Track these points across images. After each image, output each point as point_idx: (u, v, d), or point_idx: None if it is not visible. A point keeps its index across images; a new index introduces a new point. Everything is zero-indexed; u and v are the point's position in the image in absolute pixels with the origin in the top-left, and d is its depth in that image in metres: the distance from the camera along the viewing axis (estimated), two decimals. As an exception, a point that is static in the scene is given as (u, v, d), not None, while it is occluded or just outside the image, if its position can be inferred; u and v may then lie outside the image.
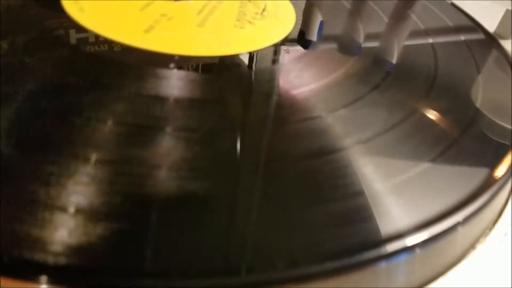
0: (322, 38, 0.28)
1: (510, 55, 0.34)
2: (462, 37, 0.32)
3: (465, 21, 0.34)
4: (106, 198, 0.16)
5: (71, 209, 0.15)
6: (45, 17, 0.26)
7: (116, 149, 0.18)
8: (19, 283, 0.14)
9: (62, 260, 0.14)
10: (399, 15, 0.34)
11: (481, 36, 0.33)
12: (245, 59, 0.25)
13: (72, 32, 0.25)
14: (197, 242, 0.15)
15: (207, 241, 0.15)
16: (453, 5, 0.37)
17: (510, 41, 0.38)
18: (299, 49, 0.27)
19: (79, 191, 0.16)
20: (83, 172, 0.17)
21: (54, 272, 0.14)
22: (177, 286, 0.14)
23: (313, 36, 0.29)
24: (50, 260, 0.14)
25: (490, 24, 0.38)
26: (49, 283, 0.14)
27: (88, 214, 0.15)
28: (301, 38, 0.28)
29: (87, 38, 0.24)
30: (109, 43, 0.24)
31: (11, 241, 0.14)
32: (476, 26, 0.34)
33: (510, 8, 0.37)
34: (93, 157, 0.17)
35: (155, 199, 0.17)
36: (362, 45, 0.28)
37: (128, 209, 0.16)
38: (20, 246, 0.14)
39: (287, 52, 0.26)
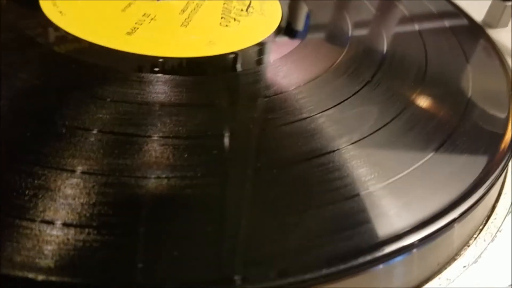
0: (309, 32, 0.28)
1: (496, 42, 0.34)
2: (447, 24, 0.31)
3: (448, 7, 0.34)
4: (89, 210, 0.16)
5: (50, 222, 0.15)
6: (23, 21, 0.25)
7: (99, 158, 0.18)
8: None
9: (49, 276, 0.14)
10: (386, 5, 0.33)
11: (464, 22, 0.32)
12: (231, 59, 0.24)
13: (51, 35, 0.24)
14: (188, 252, 0.15)
15: (198, 250, 0.15)
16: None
17: (498, 30, 0.37)
18: (286, 46, 0.26)
19: (52, 204, 0.16)
20: (61, 183, 0.16)
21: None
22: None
23: (300, 31, 0.28)
24: (37, 276, 0.14)
25: (478, 12, 0.38)
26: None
27: (70, 228, 0.15)
28: (288, 34, 0.28)
29: (67, 42, 0.24)
30: (91, 47, 0.23)
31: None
32: (458, 12, 0.33)
33: (497, -4, 0.37)
34: (75, 166, 0.17)
35: (143, 210, 0.16)
36: (350, 37, 0.28)
37: (115, 221, 0.15)
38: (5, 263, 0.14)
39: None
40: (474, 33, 0.31)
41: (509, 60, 0.33)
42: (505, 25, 0.38)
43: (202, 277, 0.15)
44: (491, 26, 0.38)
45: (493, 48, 0.29)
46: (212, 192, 0.17)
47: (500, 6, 0.37)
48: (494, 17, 0.37)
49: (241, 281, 0.15)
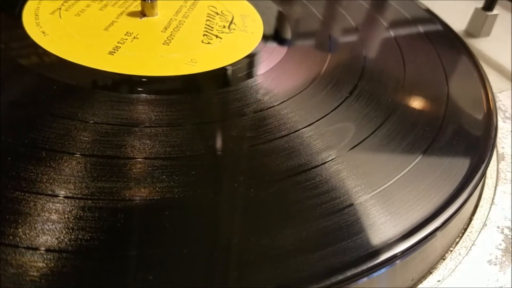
0: (290, 48, 0.28)
1: (478, 51, 0.34)
2: (423, 32, 0.32)
3: (425, 15, 0.35)
4: (70, 235, 0.16)
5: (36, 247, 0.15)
6: (6, 41, 0.25)
7: (80, 182, 0.18)
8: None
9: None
10: (365, 18, 0.34)
11: (440, 29, 0.33)
12: (212, 77, 0.25)
13: (33, 56, 0.24)
14: (164, 276, 0.15)
15: (173, 275, 0.15)
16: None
17: (480, 39, 0.38)
18: (267, 62, 0.26)
19: (32, 229, 0.16)
20: (41, 208, 0.17)
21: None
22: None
23: (282, 48, 0.29)
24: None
25: (461, 22, 0.39)
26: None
27: (51, 253, 0.15)
28: (269, 51, 0.28)
29: (50, 63, 0.24)
30: (73, 67, 0.24)
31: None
32: (435, 19, 0.34)
33: (478, 6, 0.37)
34: (56, 191, 0.17)
35: (124, 233, 0.16)
36: (330, 52, 0.28)
37: (98, 245, 0.16)
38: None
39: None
40: (450, 40, 0.32)
41: (489, 69, 0.34)
42: (487, 35, 0.38)
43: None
44: (474, 36, 0.38)
45: (471, 57, 0.29)
46: (190, 213, 0.18)
47: (482, 15, 0.38)
48: (477, 27, 0.38)
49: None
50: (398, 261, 0.17)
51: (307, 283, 0.16)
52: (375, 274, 0.17)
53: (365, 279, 0.16)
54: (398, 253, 0.17)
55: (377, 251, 0.17)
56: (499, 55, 0.36)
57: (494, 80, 0.33)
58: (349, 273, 0.16)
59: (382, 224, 0.18)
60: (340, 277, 0.16)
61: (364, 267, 0.16)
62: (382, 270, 0.17)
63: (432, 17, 0.35)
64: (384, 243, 0.17)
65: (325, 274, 0.16)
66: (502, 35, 0.38)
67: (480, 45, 0.37)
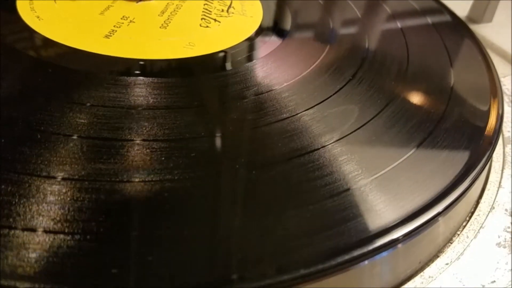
0: (291, 32, 0.28)
1: (481, 38, 0.34)
2: (429, 20, 0.31)
3: (430, 3, 0.34)
4: (67, 216, 0.15)
5: (39, 229, 0.15)
6: (0, 27, 0.24)
7: (76, 163, 0.17)
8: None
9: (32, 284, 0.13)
10: (368, 3, 0.33)
11: (446, 17, 0.32)
12: (211, 60, 0.24)
13: (28, 40, 0.24)
14: (164, 256, 0.15)
15: (174, 255, 0.15)
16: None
17: (482, 25, 0.37)
18: (267, 46, 0.26)
19: (42, 209, 0.15)
20: (46, 189, 0.16)
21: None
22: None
23: (282, 31, 0.28)
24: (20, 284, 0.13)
25: (462, 8, 0.38)
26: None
27: (48, 234, 0.15)
28: (269, 34, 0.27)
29: (45, 47, 0.23)
30: (69, 51, 0.23)
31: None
32: (440, 7, 0.33)
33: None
34: (53, 172, 0.17)
35: (123, 214, 0.16)
36: (332, 36, 0.28)
37: (96, 226, 0.15)
38: None
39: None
40: (456, 28, 0.31)
41: (492, 55, 0.33)
42: (489, 20, 0.38)
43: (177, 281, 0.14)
44: (475, 22, 0.38)
45: (476, 43, 0.29)
46: (191, 195, 0.17)
47: (483, 1, 0.37)
48: (478, 13, 0.38)
49: (239, 280, 0.14)
50: (400, 244, 0.17)
51: (311, 263, 0.15)
52: (380, 255, 0.16)
53: (371, 259, 0.16)
54: (400, 236, 0.16)
55: (381, 233, 0.16)
56: (502, 41, 0.35)
57: (497, 65, 0.32)
58: (355, 253, 0.16)
59: (385, 207, 0.17)
60: (346, 257, 0.15)
61: (370, 247, 0.16)
62: (388, 252, 0.16)
63: (435, 3, 0.34)
64: (387, 225, 0.17)
65: (330, 255, 0.15)
66: (504, 21, 0.38)
67: (483, 31, 0.36)
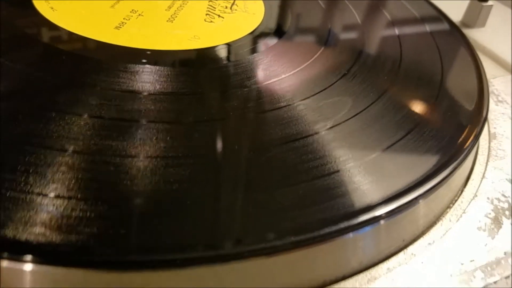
0: (290, 29, 0.29)
1: (474, 42, 0.35)
2: (422, 20, 0.33)
3: (424, 5, 0.35)
4: (78, 185, 0.17)
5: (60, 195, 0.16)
6: (18, 18, 0.26)
7: (91, 140, 0.19)
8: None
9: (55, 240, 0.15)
10: (365, 4, 0.35)
11: (440, 19, 0.34)
12: (214, 52, 0.26)
13: (43, 30, 0.25)
14: (182, 221, 0.16)
15: (180, 223, 0.16)
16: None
17: (475, 29, 0.39)
18: (267, 41, 0.27)
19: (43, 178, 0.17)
20: (69, 163, 0.17)
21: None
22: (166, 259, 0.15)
23: (282, 28, 0.30)
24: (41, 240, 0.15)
25: (456, 13, 0.40)
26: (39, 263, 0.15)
27: (58, 199, 0.16)
28: (269, 30, 0.29)
29: (59, 36, 0.25)
30: (81, 40, 0.25)
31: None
32: (434, 10, 0.35)
33: (474, -3, 0.38)
34: (65, 146, 0.18)
35: (136, 183, 0.17)
36: (330, 34, 0.29)
37: (111, 192, 0.17)
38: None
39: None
40: (449, 30, 0.33)
41: (484, 57, 0.35)
42: (482, 25, 0.39)
43: (184, 244, 0.16)
44: (469, 26, 0.39)
45: (466, 44, 0.30)
46: (192, 172, 0.18)
47: (477, 6, 0.39)
48: (472, 17, 0.39)
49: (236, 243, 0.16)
50: (383, 221, 0.18)
51: (302, 231, 0.16)
52: (364, 229, 0.18)
53: (355, 232, 0.17)
54: (382, 214, 0.18)
55: (365, 209, 0.18)
56: (494, 44, 0.37)
57: (489, 67, 0.34)
58: (341, 226, 0.17)
59: (371, 187, 0.19)
60: (333, 228, 0.17)
61: (355, 221, 0.17)
62: (371, 226, 0.18)
63: (431, 7, 0.35)
64: (371, 203, 0.18)
65: (318, 225, 0.17)
66: (497, 26, 0.39)
67: (476, 35, 0.38)
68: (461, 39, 0.31)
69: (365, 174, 0.19)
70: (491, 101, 0.30)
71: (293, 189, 0.18)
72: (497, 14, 0.40)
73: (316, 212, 0.17)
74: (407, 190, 0.19)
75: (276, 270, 0.17)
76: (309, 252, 0.17)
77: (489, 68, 0.33)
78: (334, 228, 0.17)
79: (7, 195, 0.16)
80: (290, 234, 0.16)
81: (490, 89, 0.31)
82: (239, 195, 0.18)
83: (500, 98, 0.31)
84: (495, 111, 0.30)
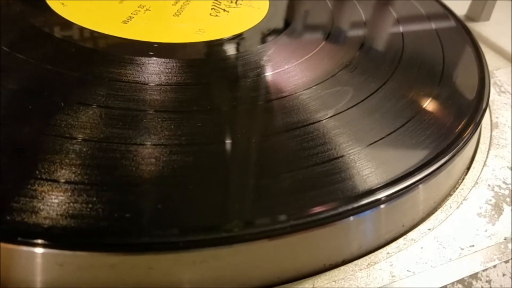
0: (294, 23, 0.30)
1: (478, 36, 0.36)
2: (426, 15, 0.33)
3: (434, 5, 0.36)
4: (87, 171, 0.17)
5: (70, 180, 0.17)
6: (29, 11, 0.27)
7: (98, 128, 0.19)
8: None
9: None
10: (372, 2, 0.35)
11: (448, 19, 0.34)
12: (219, 45, 0.26)
13: (55, 24, 0.26)
14: (186, 202, 0.17)
15: (187, 207, 0.17)
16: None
17: (480, 23, 0.39)
18: (271, 34, 0.28)
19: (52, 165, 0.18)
20: (81, 150, 0.18)
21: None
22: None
23: (286, 21, 0.30)
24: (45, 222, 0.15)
25: (461, 7, 0.40)
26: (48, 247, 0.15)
27: (69, 184, 0.17)
28: (273, 24, 0.29)
29: (70, 30, 0.26)
30: (91, 34, 0.25)
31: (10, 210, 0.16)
32: (444, 9, 0.35)
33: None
34: (74, 134, 0.19)
35: (141, 169, 0.18)
36: (332, 27, 0.30)
37: (111, 180, 0.17)
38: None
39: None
40: (451, 22, 0.33)
41: (487, 50, 0.35)
42: (487, 19, 0.39)
43: (187, 228, 0.16)
44: (474, 20, 0.39)
45: (468, 35, 0.31)
46: (196, 159, 0.19)
47: (481, 1, 0.39)
48: (476, 11, 0.39)
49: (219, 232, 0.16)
50: (383, 205, 0.18)
51: (302, 215, 0.17)
52: (364, 213, 0.18)
53: (356, 216, 0.18)
54: (382, 197, 0.18)
55: (366, 193, 0.18)
56: (498, 37, 0.37)
57: (492, 59, 0.34)
58: (341, 209, 0.17)
59: (371, 173, 0.19)
60: (333, 212, 0.17)
61: (355, 205, 0.18)
62: (371, 210, 0.18)
63: (436, 3, 0.36)
64: (371, 188, 0.19)
65: (319, 209, 0.17)
66: (501, 19, 0.40)
67: (480, 29, 0.38)
68: (463, 32, 0.31)
69: (365, 160, 0.20)
70: (493, 91, 0.30)
71: (294, 174, 0.19)
72: (502, 7, 0.41)
73: (317, 196, 0.18)
74: (406, 175, 0.19)
75: (277, 253, 0.17)
76: (310, 236, 0.17)
77: (492, 60, 0.33)
78: (334, 211, 0.17)
79: (17, 183, 0.17)
80: (291, 218, 0.17)
81: (493, 80, 0.31)
82: (242, 181, 0.19)
83: (502, 89, 0.31)
84: (498, 101, 0.30)
